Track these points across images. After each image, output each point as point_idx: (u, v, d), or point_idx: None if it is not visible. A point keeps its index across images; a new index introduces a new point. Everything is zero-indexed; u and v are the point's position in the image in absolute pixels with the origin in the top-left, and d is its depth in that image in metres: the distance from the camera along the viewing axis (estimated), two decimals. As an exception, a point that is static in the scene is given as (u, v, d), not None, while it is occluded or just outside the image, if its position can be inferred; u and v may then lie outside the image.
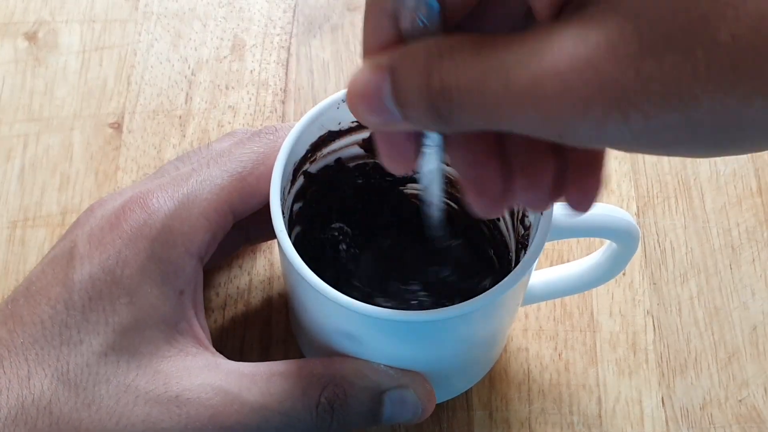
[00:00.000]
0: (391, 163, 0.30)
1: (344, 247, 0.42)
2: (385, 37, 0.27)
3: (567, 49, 0.22)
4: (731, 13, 0.20)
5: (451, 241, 0.36)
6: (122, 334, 0.33)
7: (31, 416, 0.32)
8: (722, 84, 0.21)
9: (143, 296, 0.34)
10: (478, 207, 0.29)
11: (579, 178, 0.29)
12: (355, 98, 0.27)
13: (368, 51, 0.27)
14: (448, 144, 0.29)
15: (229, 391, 0.34)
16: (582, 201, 0.29)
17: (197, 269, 0.35)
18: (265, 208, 0.35)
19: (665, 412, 0.43)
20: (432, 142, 0.29)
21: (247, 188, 0.36)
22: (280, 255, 0.35)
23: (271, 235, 0.34)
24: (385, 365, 0.36)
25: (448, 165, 0.31)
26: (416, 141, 0.29)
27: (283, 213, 0.35)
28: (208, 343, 0.36)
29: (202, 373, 0.34)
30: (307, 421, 0.34)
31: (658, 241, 0.47)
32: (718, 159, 0.49)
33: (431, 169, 0.31)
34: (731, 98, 0.21)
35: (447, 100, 0.25)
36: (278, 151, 0.36)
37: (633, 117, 0.22)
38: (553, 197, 0.29)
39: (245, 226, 0.39)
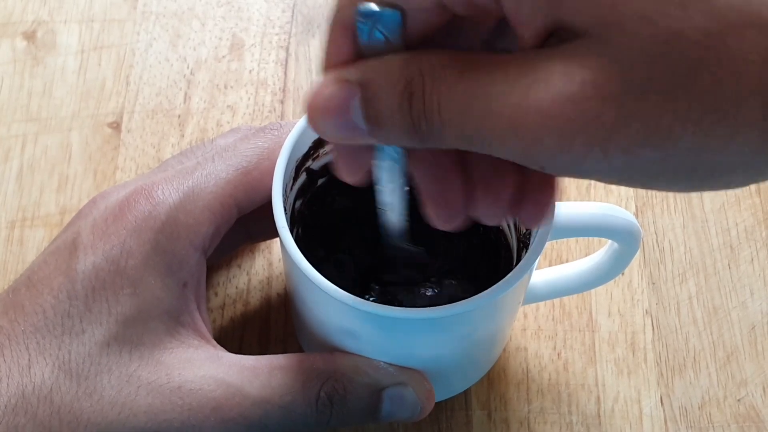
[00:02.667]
0: (347, 174, 0.30)
1: (346, 243, 0.42)
2: (346, 53, 0.27)
3: (551, 85, 0.22)
4: (713, 56, 0.21)
5: (411, 247, 0.37)
6: (125, 325, 0.33)
7: (31, 405, 0.32)
8: (702, 124, 0.21)
9: (147, 287, 0.34)
10: (437, 220, 0.30)
11: (535, 194, 0.29)
12: (317, 112, 0.26)
13: (328, 66, 0.27)
14: (409, 157, 0.29)
15: (231, 384, 0.34)
16: (536, 216, 0.30)
17: (201, 262, 0.36)
18: (267, 206, 0.35)
19: (664, 411, 0.43)
20: (391, 154, 0.29)
21: (251, 183, 0.36)
22: (281, 251, 0.36)
23: (273, 233, 0.34)
24: (385, 363, 0.36)
25: (407, 176, 0.31)
26: (374, 152, 0.29)
27: (285, 210, 0.35)
28: (209, 336, 0.36)
29: (204, 365, 0.34)
30: (307, 415, 0.34)
31: (656, 240, 0.47)
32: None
33: (390, 181, 0.31)
34: (710, 138, 0.22)
35: (429, 123, 0.25)
36: (282, 146, 0.36)
37: (613, 153, 0.22)
38: (510, 212, 0.29)
39: (247, 224, 0.39)
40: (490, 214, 0.30)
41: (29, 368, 0.33)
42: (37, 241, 0.47)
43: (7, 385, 0.32)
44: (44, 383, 0.32)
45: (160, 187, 0.35)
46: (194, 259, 0.35)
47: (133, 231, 0.34)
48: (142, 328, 0.34)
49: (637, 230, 0.37)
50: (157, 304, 0.34)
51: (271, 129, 0.38)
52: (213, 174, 0.36)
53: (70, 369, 0.33)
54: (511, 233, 0.40)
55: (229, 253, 0.43)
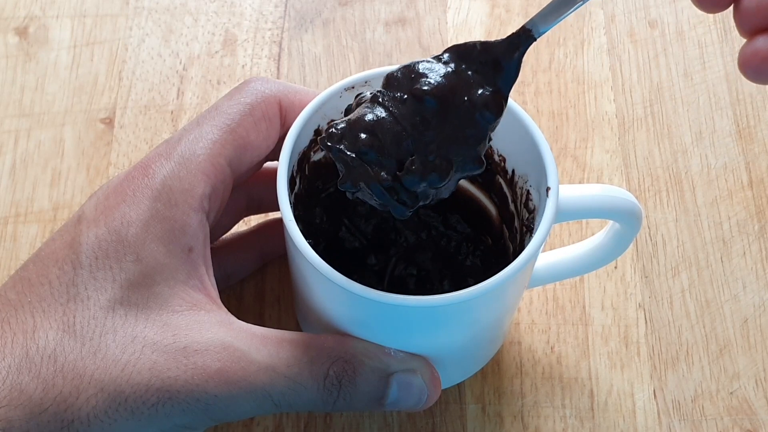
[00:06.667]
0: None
1: (350, 232, 0.43)
2: None
3: None
4: None
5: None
6: (130, 290, 0.34)
7: (35, 364, 0.32)
8: None
9: (150, 254, 0.34)
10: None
11: None
12: None
13: None
14: None
15: (238, 348, 0.34)
16: None
17: (203, 223, 0.36)
18: (262, 175, 0.36)
19: (657, 404, 0.43)
20: None
21: (238, 140, 0.37)
22: (286, 241, 0.36)
23: (269, 205, 0.35)
24: (394, 349, 0.36)
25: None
26: None
27: (290, 203, 0.35)
28: (219, 301, 0.36)
29: (212, 328, 0.34)
30: (313, 391, 0.35)
31: (649, 234, 0.47)
32: (708, 152, 0.50)
33: None
34: None
35: None
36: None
37: None
38: None
39: (244, 196, 0.41)
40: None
41: (34, 332, 0.33)
42: (30, 237, 0.47)
43: (12, 347, 0.33)
44: (48, 344, 0.33)
45: (153, 161, 0.36)
46: (196, 222, 0.36)
47: (131, 202, 0.35)
48: (147, 292, 0.34)
49: (638, 210, 0.37)
50: (161, 270, 0.34)
51: (255, 81, 0.39)
52: (200, 137, 0.37)
53: (74, 331, 0.33)
54: (515, 216, 0.40)
55: (230, 227, 0.43)
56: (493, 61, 0.33)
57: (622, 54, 0.53)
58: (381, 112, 0.32)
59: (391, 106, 0.32)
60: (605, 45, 0.53)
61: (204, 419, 0.34)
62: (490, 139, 0.38)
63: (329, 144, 0.32)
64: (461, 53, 0.33)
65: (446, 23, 0.54)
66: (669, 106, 0.51)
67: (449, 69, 0.33)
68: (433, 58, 0.33)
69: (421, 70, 0.33)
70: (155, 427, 0.33)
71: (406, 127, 0.32)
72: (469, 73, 0.33)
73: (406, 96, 0.32)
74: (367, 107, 0.33)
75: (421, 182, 0.32)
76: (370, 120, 0.32)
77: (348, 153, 0.32)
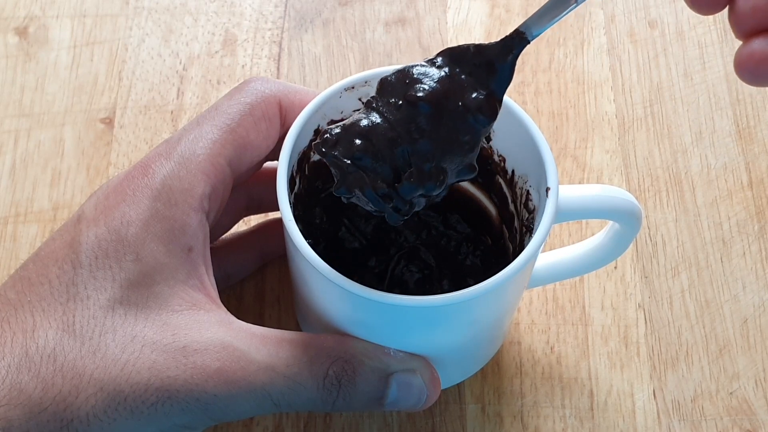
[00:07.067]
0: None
1: (350, 232, 0.43)
2: None
3: None
4: None
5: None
6: (129, 289, 0.34)
7: (35, 363, 0.33)
8: None
9: (149, 253, 0.34)
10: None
11: None
12: None
13: None
14: None
15: (237, 348, 0.34)
16: None
17: (203, 223, 0.36)
18: (262, 175, 0.36)
19: (657, 404, 0.43)
20: None
21: (238, 140, 0.37)
22: (286, 241, 0.36)
23: (269, 205, 0.36)
24: (394, 349, 0.36)
25: None
26: None
27: (290, 203, 0.35)
28: (219, 301, 0.36)
29: (212, 328, 0.34)
30: (312, 391, 0.35)
31: (649, 234, 0.47)
32: (708, 152, 0.50)
33: None
34: None
35: None
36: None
37: None
38: None
39: (243, 196, 0.41)
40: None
41: (33, 332, 0.33)
42: (30, 237, 0.47)
43: (11, 346, 0.33)
44: (47, 343, 0.33)
45: (153, 160, 0.36)
46: (196, 222, 0.36)
47: (131, 202, 0.35)
48: (147, 292, 0.34)
49: (638, 210, 0.37)
50: (161, 269, 0.34)
51: (255, 80, 0.39)
52: (200, 137, 0.37)
53: (74, 330, 0.33)
54: (515, 216, 0.40)
55: (230, 227, 0.43)
56: (486, 63, 0.32)
57: (622, 54, 0.53)
58: (375, 118, 0.32)
59: (386, 112, 0.32)
60: (605, 45, 0.53)
61: (203, 419, 0.34)
62: (489, 139, 0.38)
63: (323, 150, 0.32)
64: (455, 56, 0.33)
65: (446, 23, 0.54)
66: (669, 106, 0.51)
67: (443, 73, 0.33)
68: (427, 61, 0.33)
69: (415, 75, 0.32)
70: (154, 426, 0.33)
71: (400, 132, 0.32)
72: (463, 76, 0.32)
73: (400, 102, 0.32)
74: (362, 113, 0.33)
75: (417, 190, 0.32)
76: (364, 125, 0.32)
77: (343, 159, 0.32)
